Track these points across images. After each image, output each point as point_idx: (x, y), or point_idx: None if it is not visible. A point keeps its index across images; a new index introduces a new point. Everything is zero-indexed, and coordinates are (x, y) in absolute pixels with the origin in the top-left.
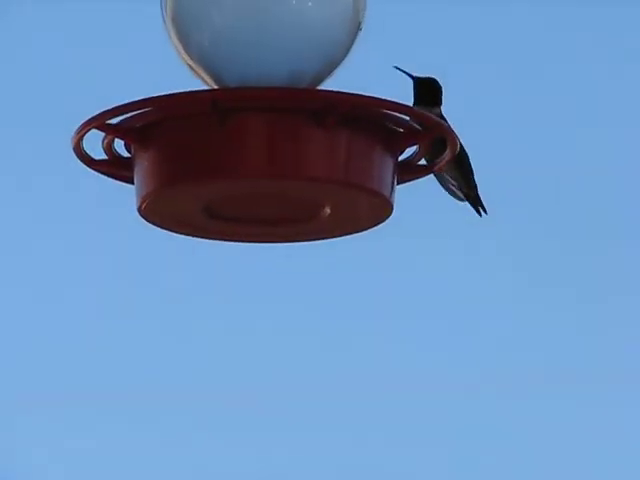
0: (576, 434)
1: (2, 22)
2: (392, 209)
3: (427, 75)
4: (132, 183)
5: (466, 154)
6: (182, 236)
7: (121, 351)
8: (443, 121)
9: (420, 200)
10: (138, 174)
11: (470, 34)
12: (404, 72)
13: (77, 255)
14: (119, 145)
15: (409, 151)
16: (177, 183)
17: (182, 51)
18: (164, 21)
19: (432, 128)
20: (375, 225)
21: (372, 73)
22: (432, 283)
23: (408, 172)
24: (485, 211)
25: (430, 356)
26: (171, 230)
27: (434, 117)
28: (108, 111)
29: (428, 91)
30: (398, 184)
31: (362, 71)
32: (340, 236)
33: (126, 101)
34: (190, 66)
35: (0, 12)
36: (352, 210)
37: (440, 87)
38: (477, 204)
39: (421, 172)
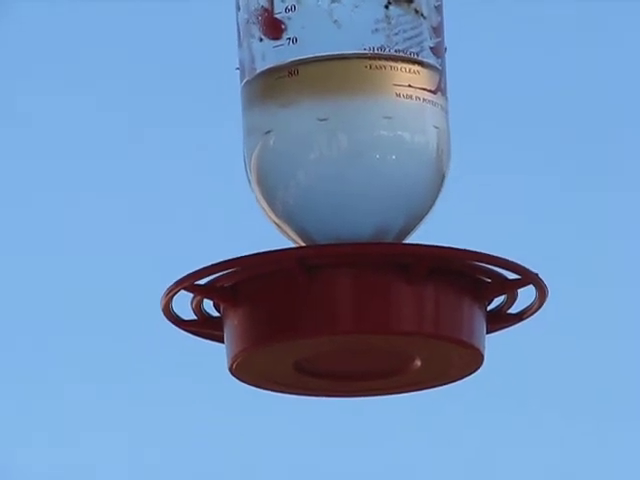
0: None
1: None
2: (483, 359)
3: None
4: (222, 342)
5: None
6: (272, 393)
7: None
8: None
9: (509, 349)
10: (228, 333)
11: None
12: None
13: (171, 415)
14: (207, 303)
15: (497, 300)
16: (267, 342)
17: (268, 210)
18: (249, 183)
19: (521, 277)
20: (466, 376)
21: (456, 218)
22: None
23: (497, 321)
24: None
25: None
26: (262, 388)
27: (523, 265)
28: (196, 272)
29: None
30: (487, 333)
31: (448, 218)
32: (430, 388)
33: (214, 261)
34: (276, 223)
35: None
36: (442, 362)
37: None
38: None
39: (510, 321)
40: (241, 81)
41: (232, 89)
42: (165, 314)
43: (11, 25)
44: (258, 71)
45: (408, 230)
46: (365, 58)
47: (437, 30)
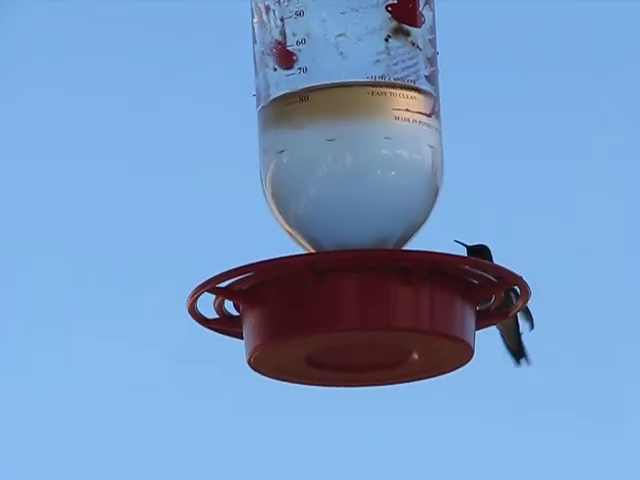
0: None
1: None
2: (473, 353)
3: (479, 243)
4: (242, 338)
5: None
6: (286, 383)
7: None
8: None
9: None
10: (246, 330)
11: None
12: (461, 243)
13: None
14: (229, 304)
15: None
16: (281, 338)
17: (281, 220)
18: (265, 196)
19: (507, 280)
20: (458, 368)
21: (450, 228)
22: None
23: (485, 318)
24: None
25: None
26: (277, 378)
27: (508, 269)
28: (218, 276)
29: (480, 256)
30: (477, 329)
31: (442, 226)
32: (426, 378)
33: (233, 266)
34: (288, 232)
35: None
36: (437, 355)
37: (490, 253)
38: (519, 355)
39: (497, 318)
40: (257, 106)
41: (249, 113)
42: (191, 314)
43: (11, 24)
44: (272, 97)
45: (406, 238)
46: (368, 85)
47: (431, 60)
